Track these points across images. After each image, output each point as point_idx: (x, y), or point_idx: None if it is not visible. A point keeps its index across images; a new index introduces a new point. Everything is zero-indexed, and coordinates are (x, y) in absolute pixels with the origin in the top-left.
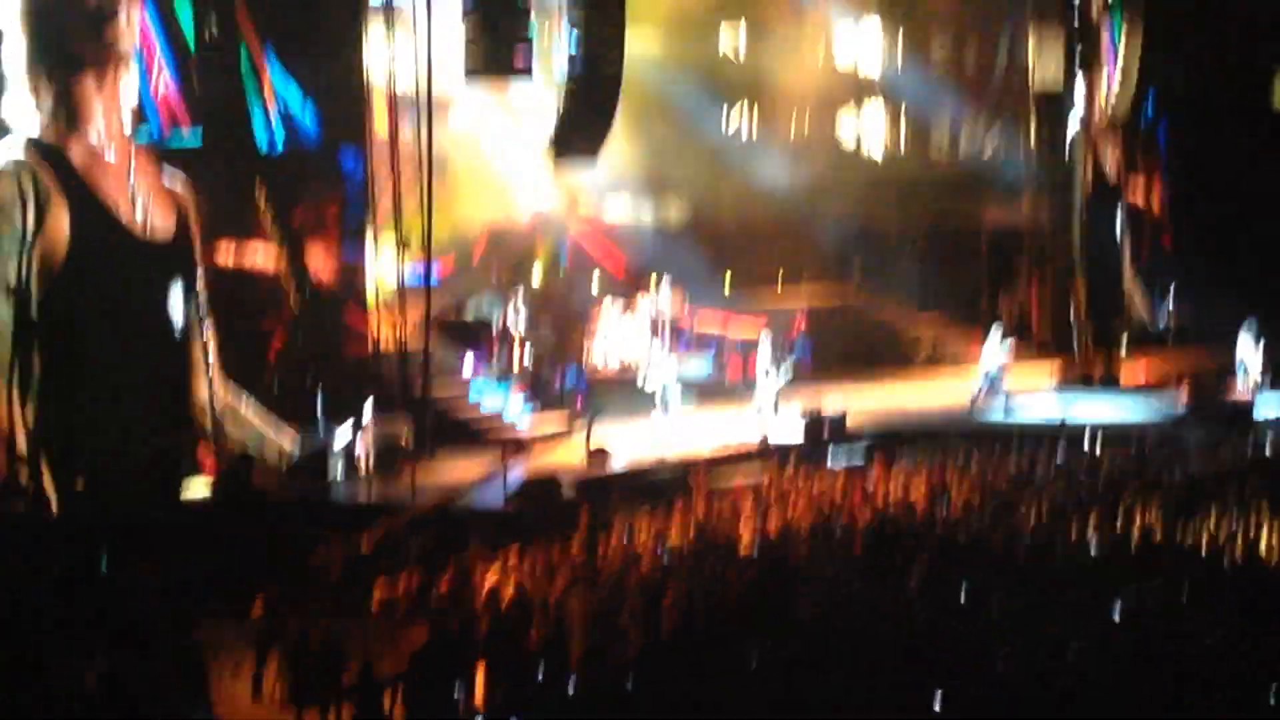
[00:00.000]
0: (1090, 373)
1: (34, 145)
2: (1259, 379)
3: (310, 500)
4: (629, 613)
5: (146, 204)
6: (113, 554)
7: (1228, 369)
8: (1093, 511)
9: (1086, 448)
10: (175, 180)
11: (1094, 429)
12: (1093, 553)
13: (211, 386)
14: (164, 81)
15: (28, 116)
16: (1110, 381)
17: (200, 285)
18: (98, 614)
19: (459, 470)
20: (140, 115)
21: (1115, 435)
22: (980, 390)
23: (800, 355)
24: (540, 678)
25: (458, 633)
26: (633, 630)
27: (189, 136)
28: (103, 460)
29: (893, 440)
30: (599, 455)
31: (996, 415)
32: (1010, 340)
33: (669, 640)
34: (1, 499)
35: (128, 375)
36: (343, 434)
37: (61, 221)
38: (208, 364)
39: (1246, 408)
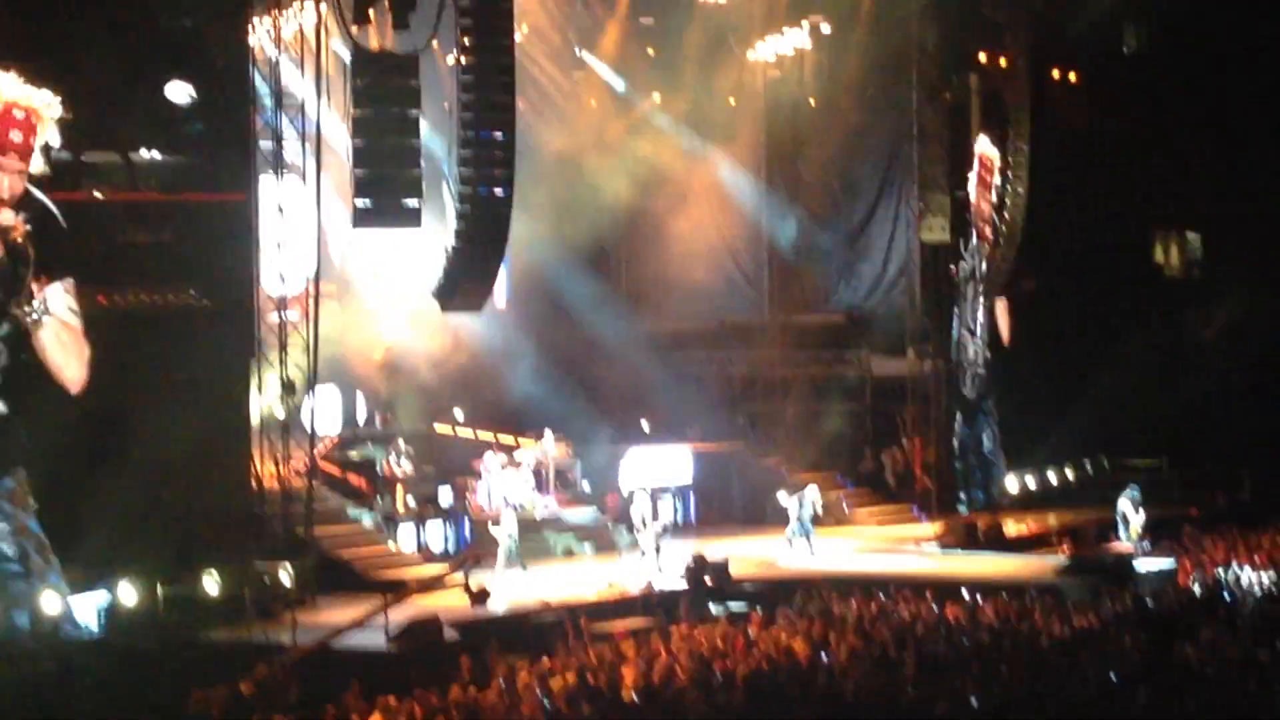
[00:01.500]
0: (973, 528)
1: None
2: (1138, 536)
3: (189, 643)
4: None
5: None
6: None
7: (1107, 526)
8: (974, 663)
9: (968, 599)
10: None
11: (974, 583)
12: (974, 704)
13: None
14: None
15: None
16: (992, 538)
17: None
18: None
19: (340, 612)
20: None
21: (997, 588)
22: (793, 534)
23: (682, 504)
24: None
25: None
26: None
27: None
28: None
29: (775, 589)
30: (480, 596)
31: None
32: (815, 488)
33: None
34: None
35: None
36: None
37: None
38: None
39: (1125, 561)
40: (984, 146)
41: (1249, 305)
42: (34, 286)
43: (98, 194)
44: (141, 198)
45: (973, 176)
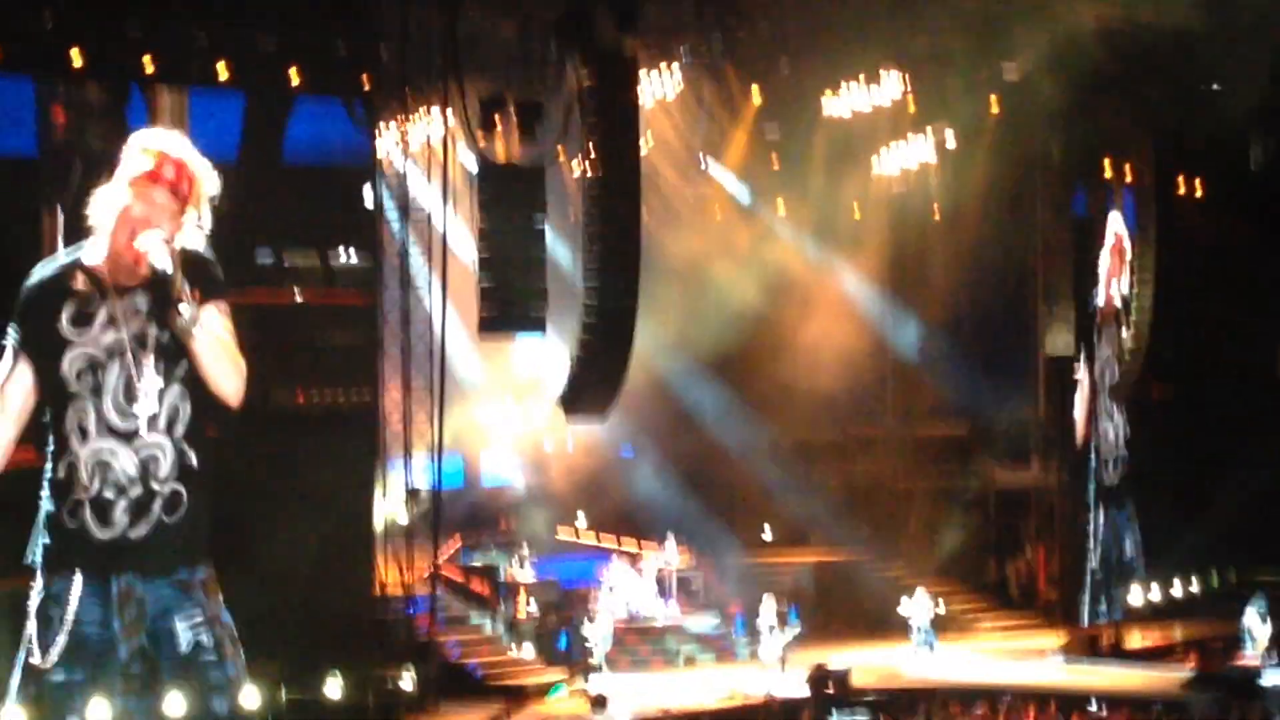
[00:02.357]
0: (1097, 640)
1: None
2: (1266, 649)
3: None
4: None
5: None
6: None
7: (1234, 639)
8: None
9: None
10: None
11: (1099, 694)
12: None
13: None
14: None
15: None
16: (1116, 649)
17: None
18: None
19: (462, 719)
20: None
21: (1123, 701)
22: (915, 643)
23: (802, 613)
24: None
25: None
26: None
27: None
28: None
29: (898, 699)
30: (599, 702)
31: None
32: (933, 594)
33: None
34: None
35: None
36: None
37: None
38: None
39: (1253, 675)
40: (1117, 225)
41: None
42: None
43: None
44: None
45: (1104, 256)
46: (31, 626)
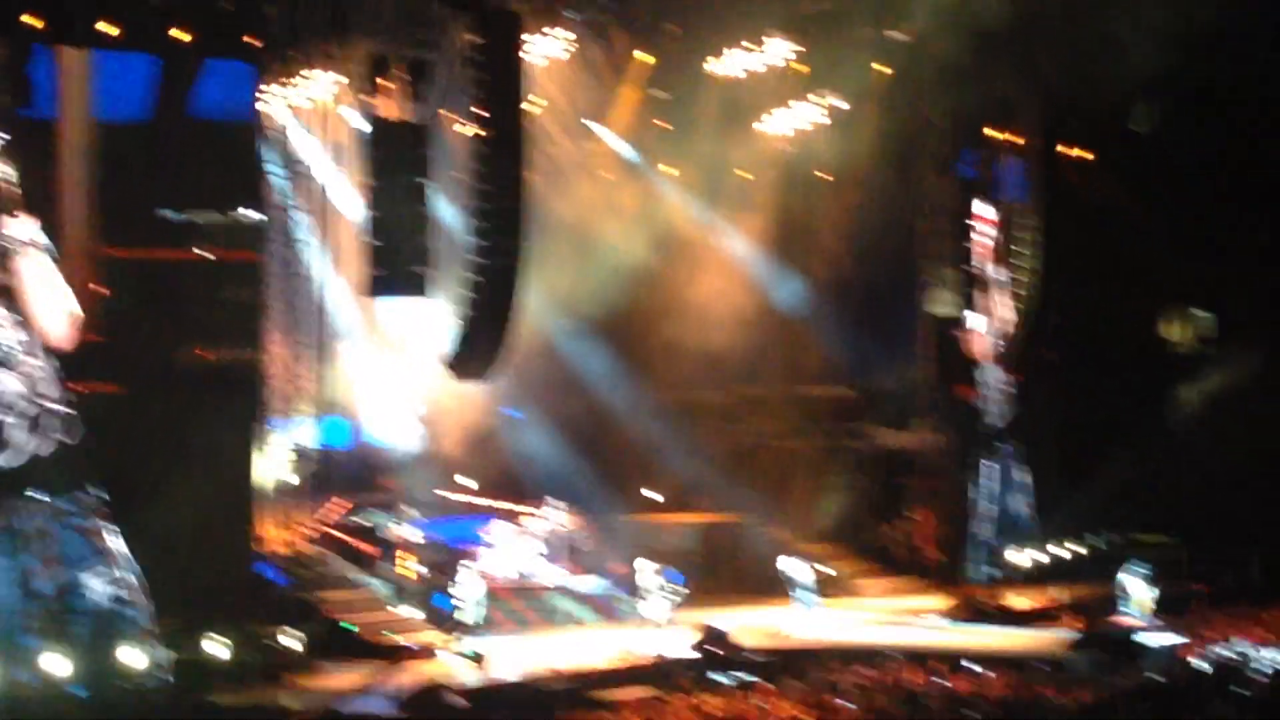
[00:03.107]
0: (977, 602)
1: None
2: (1142, 613)
3: (199, 707)
4: None
5: None
6: None
7: (1113, 600)
8: None
9: (976, 671)
10: None
11: (980, 655)
12: None
13: None
14: None
15: None
16: (999, 611)
17: None
18: None
19: (346, 678)
20: None
21: (1005, 661)
22: (796, 604)
23: (689, 575)
24: None
25: None
26: None
27: None
28: None
29: (781, 659)
30: (478, 658)
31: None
32: (814, 556)
33: None
34: None
35: None
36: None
37: None
38: None
39: (1132, 636)
40: (979, 208)
41: (1262, 383)
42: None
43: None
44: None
45: (987, 234)
46: None
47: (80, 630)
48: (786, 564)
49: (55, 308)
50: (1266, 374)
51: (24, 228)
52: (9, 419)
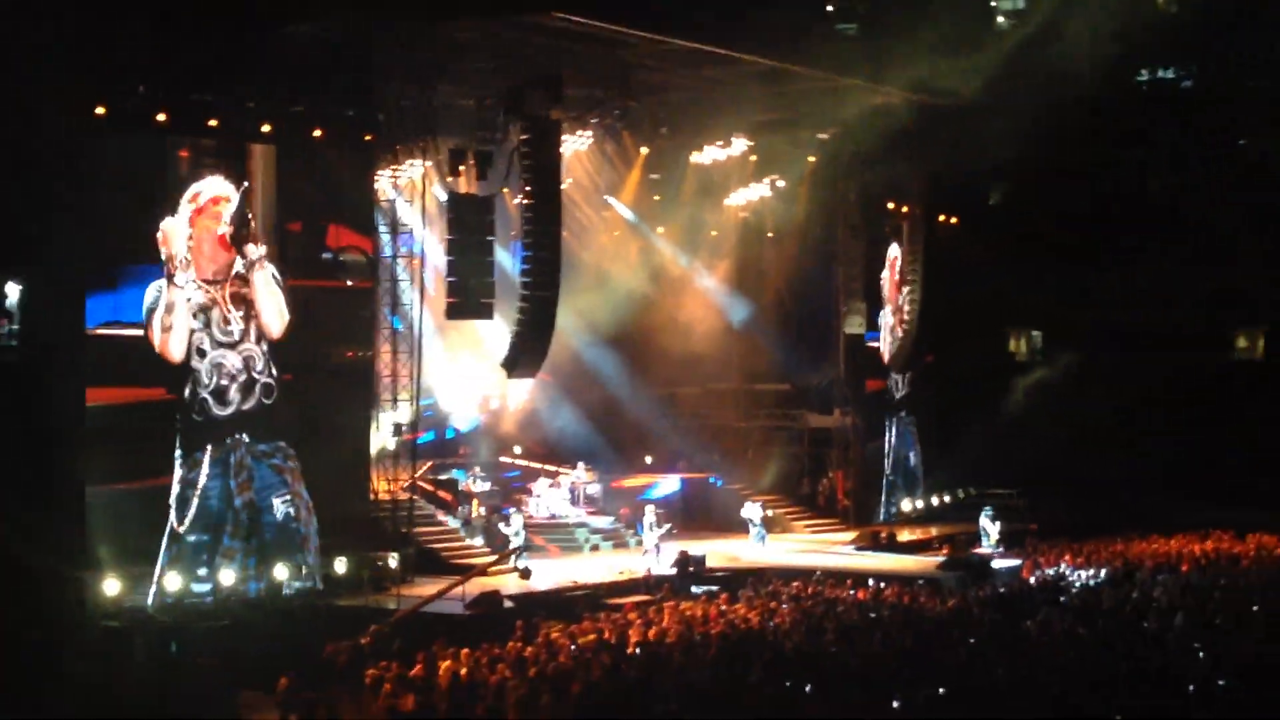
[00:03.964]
0: (876, 536)
1: None
2: (995, 543)
3: (326, 609)
4: (547, 692)
5: None
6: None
7: (973, 536)
8: (876, 631)
9: (873, 585)
10: None
11: (878, 574)
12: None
13: None
14: None
15: None
16: (891, 542)
17: None
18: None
19: (429, 588)
20: None
21: (895, 578)
22: (752, 538)
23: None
24: None
25: (429, 703)
26: (549, 706)
27: None
28: None
29: (737, 576)
30: (525, 574)
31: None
32: (763, 503)
33: (576, 714)
34: None
35: None
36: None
37: None
38: None
39: (987, 561)
40: (894, 252)
41: (1075, 381)
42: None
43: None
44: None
45: (885, 276)
46: (173, 505)
47: (266, 537)
48: (747, 509)
49: (274, 311)
50: (1079, 376)
51: (257, 251)
52: (230, 384)
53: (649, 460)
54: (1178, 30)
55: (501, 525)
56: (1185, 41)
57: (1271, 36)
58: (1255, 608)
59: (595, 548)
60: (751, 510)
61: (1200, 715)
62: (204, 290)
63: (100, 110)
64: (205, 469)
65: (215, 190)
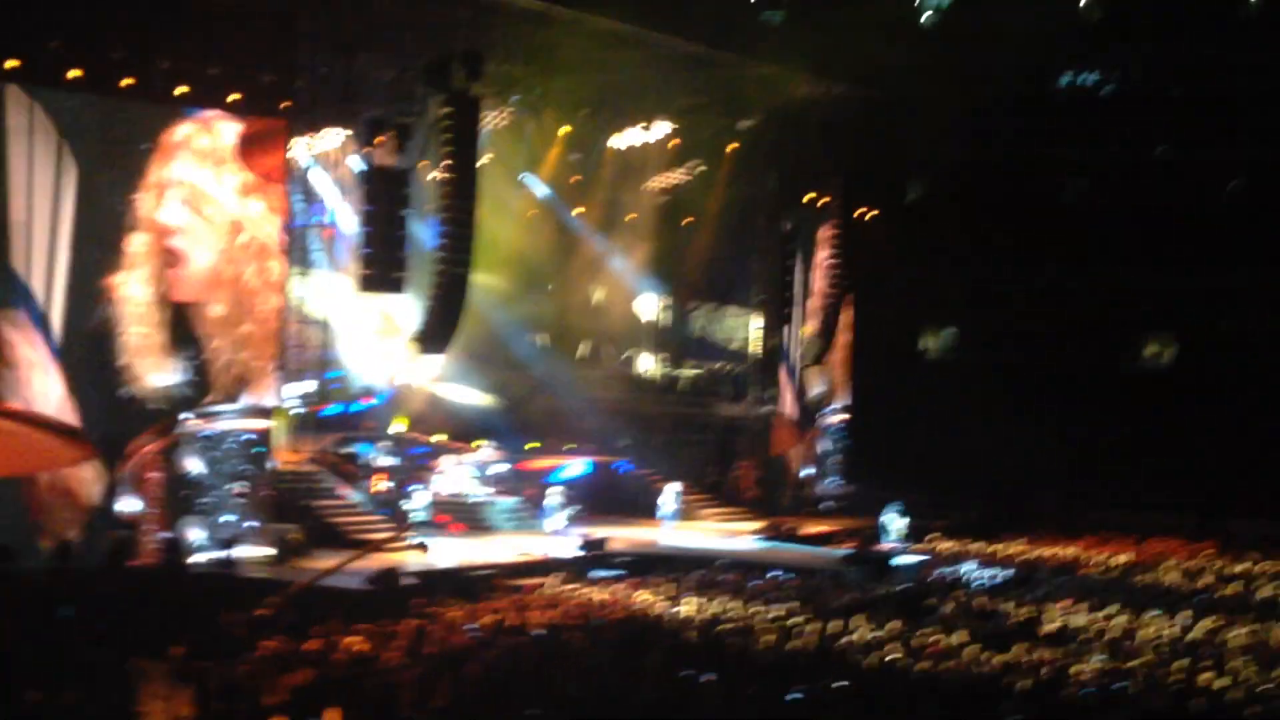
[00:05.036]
0: (781, 528)
1: None
2: (897, 540)
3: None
4: (444, 672)
5: None
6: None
7: (876, 531)
8: (782, 622)
9: (776, 576)
10: None
11: (784, 565)
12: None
13: None
14: None
15: None
16: (794, 535)
17: None
18: (59, 650)
19: (330, 561)
20: None
21: (798, 569)
22: (663, 523)
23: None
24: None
25: (323, 677)
26: (444, 686)
27: None
28: None
29: (641, 562)
30: (421, 548)
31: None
32: (680, 490)
33: (472, 695)
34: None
35: None
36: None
37: None
38: None
39: (888, 557)
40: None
41: (985, 380)
42: None
43: None
44: None
45: (800, 266)
46: None
47: None
48: (664, 493)
49: None
50: (990, 374)
51: None
52: None
53: (568, 448)
54: (1101, 35)
55: (403, 502)
56: (1107, 45)
57: (1192, 43)
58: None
59: (499, 528)
60: (668, 495)
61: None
62: None
63: (12, 63)
64: None
65: None
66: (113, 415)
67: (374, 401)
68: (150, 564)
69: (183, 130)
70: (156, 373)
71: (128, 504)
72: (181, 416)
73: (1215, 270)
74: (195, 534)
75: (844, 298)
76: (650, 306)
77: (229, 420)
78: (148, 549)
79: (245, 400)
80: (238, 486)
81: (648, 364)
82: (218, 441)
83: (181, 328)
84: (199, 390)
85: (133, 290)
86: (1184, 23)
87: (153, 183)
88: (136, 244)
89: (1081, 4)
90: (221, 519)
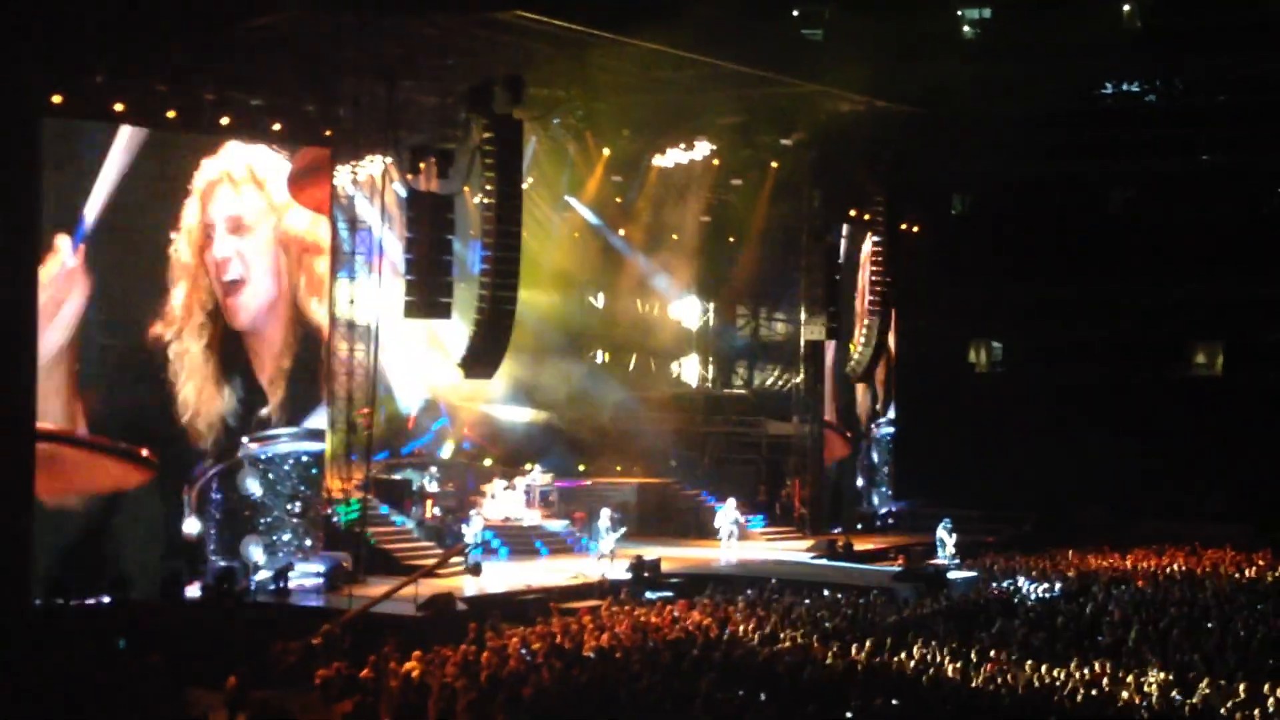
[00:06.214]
0: (834, 544)
1: None
2: (951, 554)
3: (278, 605)
4: (499, 696)
5: None
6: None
7: (929, 547)
8: (834, 641)
9: (828, 595)
10: None
11: (836, 584)
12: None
13: None
14: None
15: None
16: (848, 551)
17: None
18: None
19: (381, 588)
20: None
21: (850, 588)
22: (723, 542)
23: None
24: None
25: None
26: (498, 710)
27: None
28: None
29: (693, 581)
30: (475, 570)
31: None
32: (737, 506)
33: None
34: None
35: None
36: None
37: None
38: None
39: (942, 572)
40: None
41: (1032, 396)
42: None
43: None
44: None
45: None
46: None
47: None
48: (721, 513)
49: None
50: (1038, 387)
51: None
52: None
53: (619, 468)
54: (1143, 45)
55: (454, 527)
56: (1151, 56)
57: (1235, 53)
58: (1210, 624)
59: (548, 552)
60: (725, 515)
61: None
62: None
63: (57, 99)
64: None
65: None
66: (176, 439)
67: (427, 436)
68: (205, 595)
69: (221, 164)
70: (215, 398)
71: (191, 525)
72: (241, 440)
73: (1264, 280)
74: (255, 552)
75: (890, 312)
76: (694, 317)
77: (286, 443)
78: (203, 576)
79: (301, 424)
80: (296, 506)
81: (693, 377)
82: (276, 464)
83: (239, 355)
84: (256, 414)
85: (191, 319)
86: (1229, 32)
87: (196, 222)
88: (185, 270)
89: (1124, 12)
90: (280, 538)
